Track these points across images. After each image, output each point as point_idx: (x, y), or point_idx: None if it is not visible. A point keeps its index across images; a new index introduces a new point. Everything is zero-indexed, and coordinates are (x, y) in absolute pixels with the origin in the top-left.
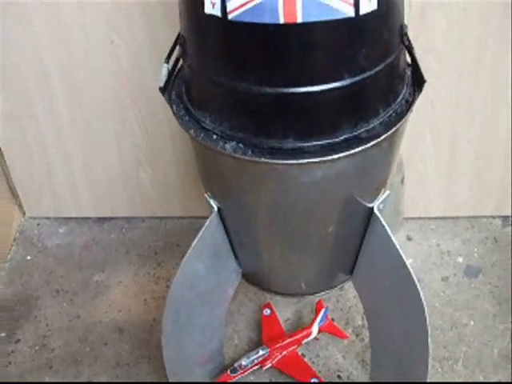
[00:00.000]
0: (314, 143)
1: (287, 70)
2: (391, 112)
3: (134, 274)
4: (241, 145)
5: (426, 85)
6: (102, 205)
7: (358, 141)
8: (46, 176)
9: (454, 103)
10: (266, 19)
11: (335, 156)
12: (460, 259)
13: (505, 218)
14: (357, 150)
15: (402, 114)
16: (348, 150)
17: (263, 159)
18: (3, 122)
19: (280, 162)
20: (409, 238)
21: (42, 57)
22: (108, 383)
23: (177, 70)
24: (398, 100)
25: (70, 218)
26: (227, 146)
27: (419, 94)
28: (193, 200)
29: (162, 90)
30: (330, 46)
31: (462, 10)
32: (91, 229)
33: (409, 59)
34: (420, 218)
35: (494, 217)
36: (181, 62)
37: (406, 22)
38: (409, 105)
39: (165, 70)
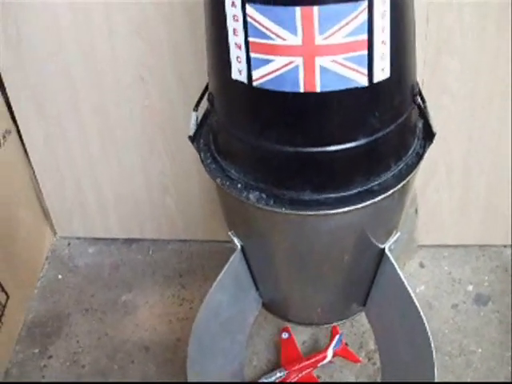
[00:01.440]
0: (330, 196)
1: (306, 132)
2: (402, 165)
3: (159, 295)
4: (263, 195)
5: (440, 121)
6: (130, 227)
7: (370, 194)
8: (77, 198)
9: (467, 138)
10: (288, 88)
11: (348, 208)
12: (470, 287)
13: None
14: (368, 202)
15: (412, 166)
16: (360, 203)
17: (283, 209)
18: (39, 148)
19: (298, 212)
20: (422, 265)
21: (76, 92)
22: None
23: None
24: (409, 153)
25: (99, 239)
26: (251, 195)
27: (429, 146)
28: (215, 225)
29: (192, 138)
30: (345, 111)
31: (475, 52)
32: (119, 249)
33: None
34: (433, 246)
35: (504, 246)
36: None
37: (422, 65)
38: (419, 157)
39: (194, 118)
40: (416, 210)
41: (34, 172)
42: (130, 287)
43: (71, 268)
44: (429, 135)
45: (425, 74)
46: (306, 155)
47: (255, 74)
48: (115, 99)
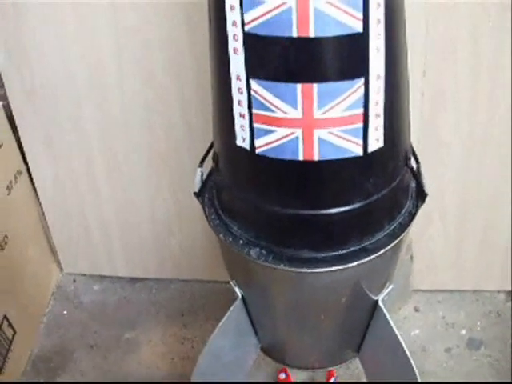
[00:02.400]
0: (326, 254)
1: (305, 196)
2: (395, 224)
3: (162, 334)
4: (263, 251)
5: (436, 173)
6: (134, 266)
7: (365, 252)
8: (84, 237)
9: (462, 187)
10: (288, 156)
11: (344, 266)
12: (463, 331)
13: (508, 292)
14: (363, 260)
15: (405, 226)
16: (355, 261)
17: (282, 266)
18: (48, 188)
19: (296, 270)
20: (417, 310)
21: (86, 135)
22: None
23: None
24: (402, 212)
25: (104, 277)
26: (252, 251)
27: (422, 205)
28: (217, 266)
29: (197, 195)
30: (341, 178)
31: (470, 105)
32: (123, 288)
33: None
34: (428, 291)
35: (498, 291)
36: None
37: (418, 118)
38: (412, 216)
39: (199, 174)
40: (411, 257)
41: (42, 210)
42: (134, 325)
43: (76, 304)
44: (421, 195)
45: (421, 128)
46: (304, 217)
47: (258, 143)
48: (123, 142)
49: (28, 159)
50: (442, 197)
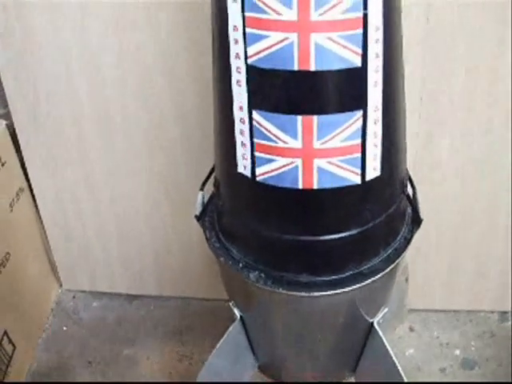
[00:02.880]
0: (324, 278)
1: (303, 222)
2: (391, 250)
3: (160, 351)
4: (262, 275)
5: (432, 195)
6: (133, 283)
7: (361, 276)
8: (84, 253)
9: (457, 211)
10: (288, 184)
11: (341, 290)
12: (457, 351)
13: (502, 313)
14: (359, 285)
15: (400, 251)
16: (352, 285)
17: (281, 290)
18: (49, 205)
19: (295, 293)
20: (411, 329)
21: (88, 156)
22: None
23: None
24: (398, 238)
25: (104, 293)
26: (251, 275)
27: (417, 230)
28: (216, 284)
29: (198, 218)
30: (339, 206)
31: (465, 130)
32: (122, 304)
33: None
34: (423, 311)
35: (492, 311)
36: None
37: (415, 141)
38: (407, 241)
39: (200, 198)
40: (407, 279)
41: (43, 227)
42: (132, 342)
43: (75, 320)
44: (417, 221)
45: (417, 150)
46: (303, 243)
47: (258, 171)
48: (124, 163)
49: (30, 177)
50: (437, 219)
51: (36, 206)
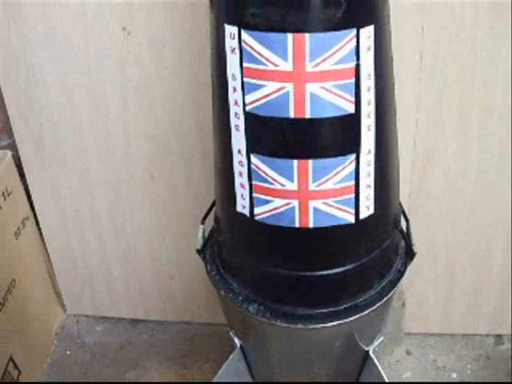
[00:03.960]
0: (320, 311)
1: (300, 259)
2: (385, 282)
3: (162, 375)
4: (261, 307)
5: (427, 223)
6: (136, 308)
7: (357, 309)
8: (88, 279)
9: (452, 239)
10: (285, 224)
11: (338, 322)
12: (454, 375)
13: (498, 336)
14: (355, 317)
15: (394, 283)
16: (348, 317)
17: (279, 322)
18: (54, 233)
19: (292, 326)
20: (408, 353)
21: (91, 184)
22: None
23: (211, 230)
24: (392, 270)
25: (107, 318)
26: (250, 307)
27: (410, 263)
28: (217, 309)
29: (199, 251)
30: (334, 243)
31: (459, 160)
32: (125, 329)
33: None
34: (420, 334)
35: (487, 335)
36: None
37: (410, 174)
38: (401, 273)
39: (201, 231)
40: (403, 304)
41: (47, 254)
42: (135, 366)
43: (79, 345)
44: (410, 254)
45: (412, 180)
46: (300, 278)
47: (257, 210)
48: (128, 192)
49: (35, 206)
50: (432, 246)
51: (41, 234)
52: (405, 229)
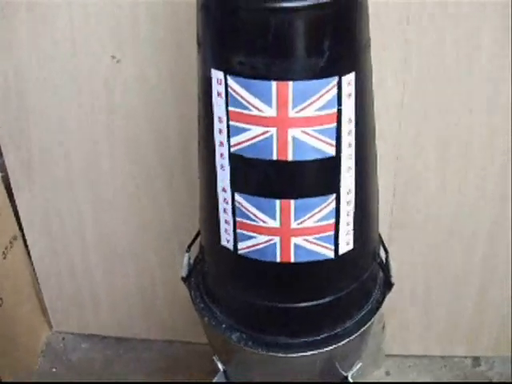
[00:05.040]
0: (301, 340)
1: (281, 292)
2: (364, 312)
3: None
4: (244, 336)
5: (407, 248)
6: (121, 326)
7: (336, 338)
8: (74, 297)
9: (431, 263)
10: (267, 258)
11: (318, 351)
12: None
13: (475, 358)
14: (334, 346)
15: (372, 312)
16: (327, 347)
17: (260, 350)
18: (41, 251)
19: (273, 354)
20: (388, 374)
21: (78, 205)
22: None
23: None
24: (370, 301)
25: (93, 335)
26: (233, 336)
27: (388, 293)
28: (200, 328)
29: (184, 279)
30: (314, 277)
31: (439, 189)
32: (110, 346)
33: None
34: (399, 356)
35: (465, 357)
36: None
37: (391, 200)
38: (379, 303)
39: (186, 259)
40: (383, 327)
41: (35, 272)
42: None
43: (65, 362)
44: (388, 285)
45: (393, 208)
46: (280, 309)
47: (240, 245)
48: (114, 214)
49: (23, 225)
50: (412, 270)
51: (28, 253)
52: (384, 259)
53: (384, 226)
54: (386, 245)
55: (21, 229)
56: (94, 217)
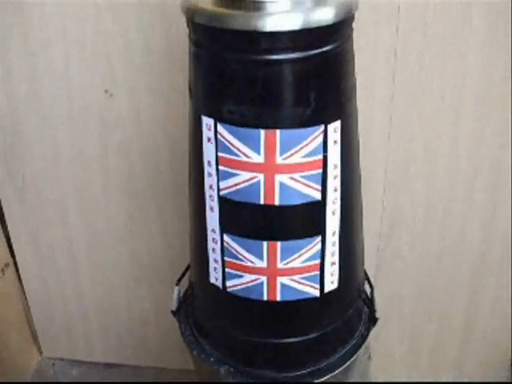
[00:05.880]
0: (287, 374)
1: (267, 328)
2: (348, 347)
3: None
4: (232, 369)
5: (393, 279)
6: (112, 353)
7: (320, 373)
8: (64, 324)
9: (417, 293)
10: (254, 296)
11: None
12: None
13: None
14: (319, 380)
15: (357, 347)
16: (312, 380)
17: None
18: (33, 279)
19: None
20: None
21: (70, 232)
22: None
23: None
24: (355, 336)
25: (83, 362)
26: (221, 368)
27: (373, 328)
28: (190, 356)
29: (174, 313)
30: (299, 315)
31: (425, 223)
32: (100, 373)
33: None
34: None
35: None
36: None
37: (377, 238)
38: (364, 338)
39: (176, 292)
40: (369, 356)
41: (26, 298)
42: None
43: None
44: (373, 320)
45: (380, 242)
46: (267, 344)
47: (228, 283)
48: (106, 243)
49: (15, 253)
50: (398, 301)
51: (20, 280)
52: (369, 293)
53: (371, 257)
54: (374, 275)
55: (13, 256)
56: (86, 246)
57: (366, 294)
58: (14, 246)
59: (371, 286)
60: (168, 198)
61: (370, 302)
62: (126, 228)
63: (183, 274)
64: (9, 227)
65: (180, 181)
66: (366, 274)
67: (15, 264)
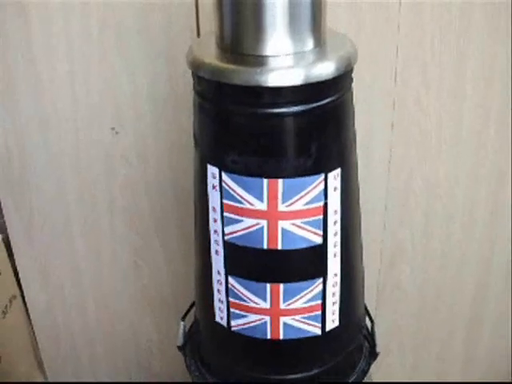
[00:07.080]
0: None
1: (270, 365)
2: (350, 382)
3: None
4: None
5: (393, 311)
6: (117, 380)
7: None
8: (71, 353)
9: (417, 325)
10: (258, 336)
11: None
12: None
13: None
14: None
15: (358, 381)
16: None
17: None
18: (40, 310)
19: None
20: None
21: (77, 266)
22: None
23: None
24: (356, 370)
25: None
26: None
27: (373, 362)
28: None
29: (180, 348)
30: (301, 352)
31: (424, 259)
32: None
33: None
34: None
35: None
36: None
37: (378, 268)
38: (364, 373)
39: (182, 328)
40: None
41: (32, 329)
42: None
43: None
44: (373, 355)
45: (380, 275)
46: (270, 381)
47: (233, 323)
48: (112, 277)
49: (23, 285)
50: (399, 331)
51: (27, 311)
52: (370, 328)
53: (371, 290)
54: (374, 308)
55: (20, 288)
56: (92, 278)
57: (367, 328)
58: (22, 279)
59: (372, 320)
60: (172, 233)
61: (370, 337)
62: (131, 262)
63: (188, 310)
64: (16, 260)
65: (186, 219)
66: (366, 309)
67: (22, 296)
